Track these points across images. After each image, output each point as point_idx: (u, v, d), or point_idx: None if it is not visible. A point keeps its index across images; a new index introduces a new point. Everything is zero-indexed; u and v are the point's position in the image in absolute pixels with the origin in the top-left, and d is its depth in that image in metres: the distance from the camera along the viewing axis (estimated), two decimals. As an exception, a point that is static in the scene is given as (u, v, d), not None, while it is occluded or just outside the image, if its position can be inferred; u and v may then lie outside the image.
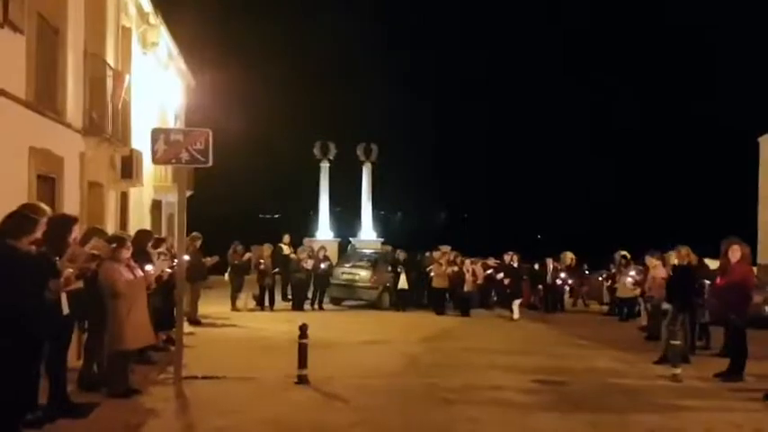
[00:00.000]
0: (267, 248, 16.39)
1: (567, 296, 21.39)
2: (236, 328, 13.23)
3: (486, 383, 8.47)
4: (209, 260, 13.69)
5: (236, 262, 15.83)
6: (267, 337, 12.14)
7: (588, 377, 9.02)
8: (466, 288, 17.42)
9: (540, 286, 19.88)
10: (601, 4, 52.39)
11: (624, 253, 18.77)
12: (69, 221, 6.26)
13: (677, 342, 9.04)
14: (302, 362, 8.02)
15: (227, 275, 16.16)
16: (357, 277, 17.63)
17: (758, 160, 24.57)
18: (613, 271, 20.02)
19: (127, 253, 7.09)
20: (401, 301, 17.50)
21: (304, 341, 8.04)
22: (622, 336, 13.82)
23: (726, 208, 33.31)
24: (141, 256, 8.01)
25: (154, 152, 7.99)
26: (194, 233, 13.98)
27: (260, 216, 47.43)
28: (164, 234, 15.03)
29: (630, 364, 10.17)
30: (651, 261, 12.98)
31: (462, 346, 11.69)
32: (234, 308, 15.78)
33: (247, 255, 15.98)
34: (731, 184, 33.35)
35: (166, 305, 9.54)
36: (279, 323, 13.94)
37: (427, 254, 19.08)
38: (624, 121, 45.24)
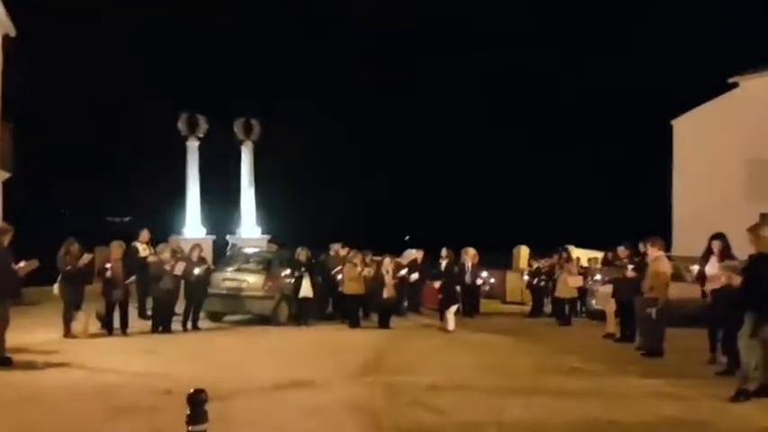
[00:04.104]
0: (117, 248, 11.63)
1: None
2: (71, 370, 8.52)
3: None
4: (24, 265, 8.93)
5: (69, 267, 10.98)
6: (120, 384, 7.64)
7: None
8: (386, 294, 13.69)
9: (458, 287, 16.64)
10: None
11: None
12: None
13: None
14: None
15: (56, 287, 11.28)
16: (245, 284, 13.27)
17: (671, 145, 23.07)
18: (536, 267, 17.51)
19: None
20: (303, 313, 13.42)
21: (200, 428, 3.79)
22: (608, 350, 10.80)
23: (635, 196, 32.05)
24: None
25: None
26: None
27: (107, 219, 40.31)
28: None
29: (695, 402, 6.89)
30: (653, 251, 9.89)
31: (429, 382, 7.85)
32: (68, 333, 10.97)
33: (87, 256, 11.16)
34: (641, 170, 32.11)
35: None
36: (136, 357, 9.49)
37: (331, 252, 15.15)
38: (516, 98, 43.09)
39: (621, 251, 11.84)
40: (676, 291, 10.31)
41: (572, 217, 33.34)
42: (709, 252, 8.82)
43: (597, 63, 45.89)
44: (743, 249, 7.66)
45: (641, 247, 10.79)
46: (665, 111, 23.26)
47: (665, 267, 9.71)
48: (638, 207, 28.57)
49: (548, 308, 16.85)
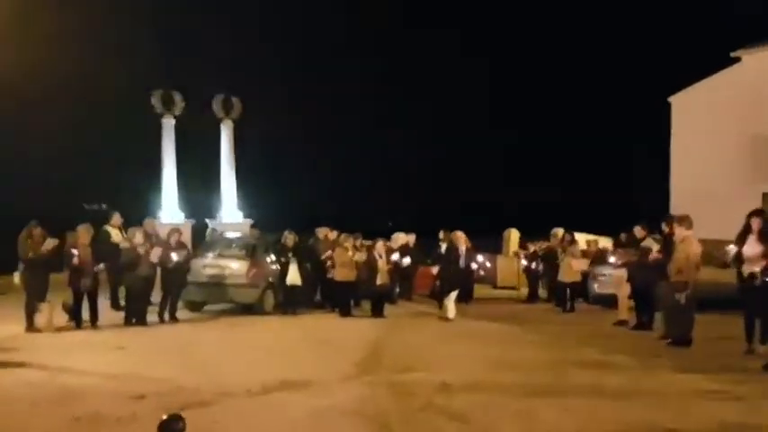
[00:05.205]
0: (84, 232, 10.50)
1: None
2: (30, 370, 7.47)
3: None
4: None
5: (31, 254, 9.87)
6: (85, 388, 6.59)
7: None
8: (379, 280, 12.71)
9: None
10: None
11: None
12: None
13: None
14: None
15: (17, 275, 10.20)
16: (227, 271, 12.20)
17: (669, 121, 22.29)
18: (533, 250, 16.71)
19: None
20: (291, 302, 12.42)
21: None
22: (627, 339, 9.93)
23: (631, 175, 31.28)
24: None
25: None
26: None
27: (84, 205, 38.81)
28: None
29: (753, 402, 6.02)
30: (680, 231, 8.96)
31: (439, 380, 6.88)
32: (31, 327, 9.93)
33: (51, 242, 10.04)
34: (637, 149, 31.34)
35: None
36: (106, 354, 8.46)
37: (320, 237, 14.11)
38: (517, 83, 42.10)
39: (638, 231, 10.93)
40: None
41: (562, 198, 32.58)
42: (746, 230, 7.95)
43: (594, 38, 45.11)
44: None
45: (664, 227, 9.88)
46: (665, 87, 22.47)
47: (696, 248, 8.80)
48: (635, 186, 27.85)
49: (542, 293, 16.08)
